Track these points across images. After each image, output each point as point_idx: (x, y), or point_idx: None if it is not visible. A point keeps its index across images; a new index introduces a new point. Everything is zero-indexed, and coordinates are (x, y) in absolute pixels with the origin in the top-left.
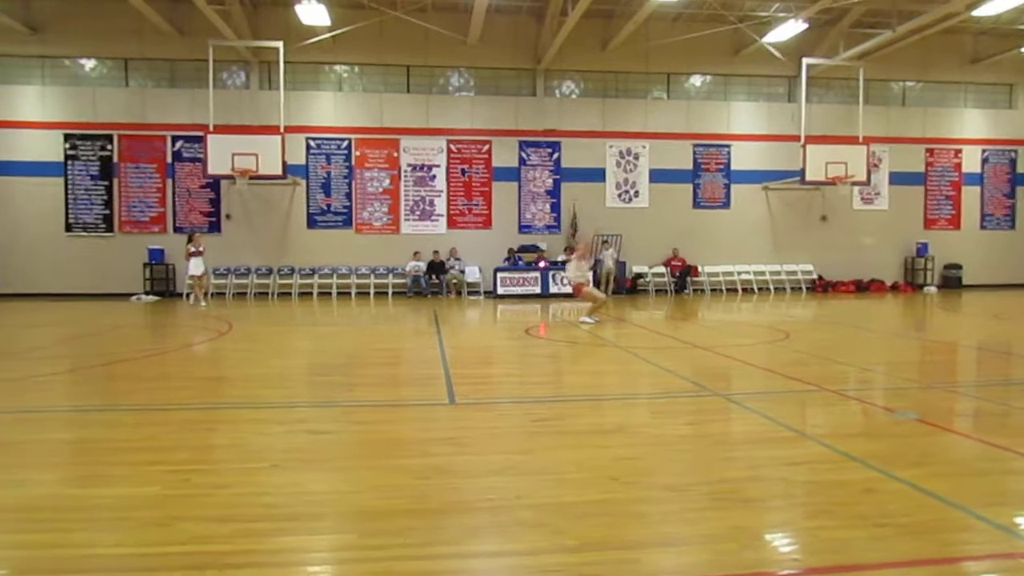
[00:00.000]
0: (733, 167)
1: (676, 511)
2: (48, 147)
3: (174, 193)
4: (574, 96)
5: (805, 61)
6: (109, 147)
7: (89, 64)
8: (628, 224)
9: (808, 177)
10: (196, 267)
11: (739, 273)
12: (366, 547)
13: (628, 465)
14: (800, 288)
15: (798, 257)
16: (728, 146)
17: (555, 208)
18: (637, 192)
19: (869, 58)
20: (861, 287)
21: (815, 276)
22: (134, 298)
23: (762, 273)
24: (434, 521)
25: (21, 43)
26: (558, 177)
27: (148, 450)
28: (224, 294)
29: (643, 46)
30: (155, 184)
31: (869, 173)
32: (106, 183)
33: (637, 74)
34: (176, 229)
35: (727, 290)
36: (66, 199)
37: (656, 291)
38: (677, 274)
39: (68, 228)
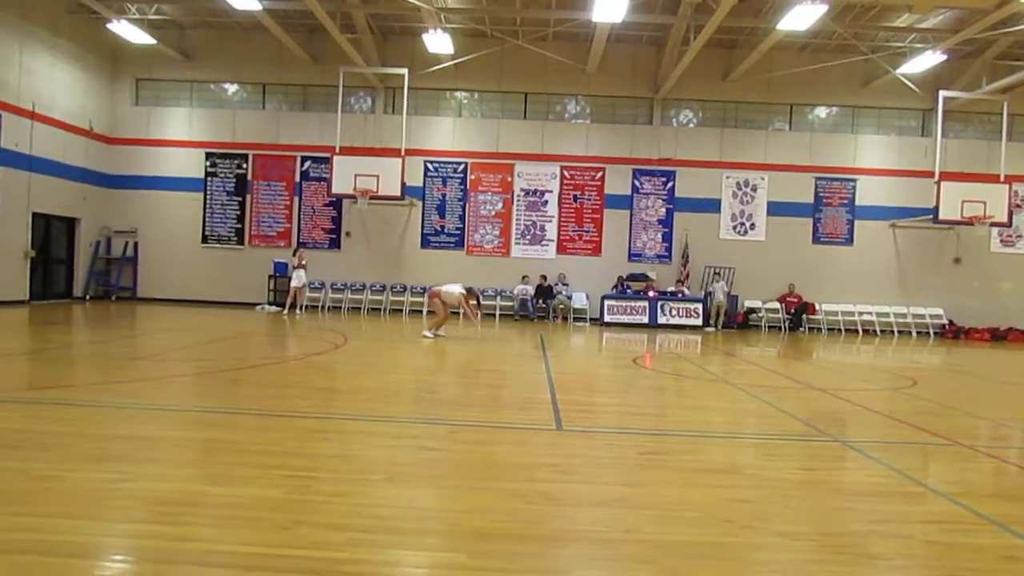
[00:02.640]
0: (858, 202)
1: (794, 561)
2: (192, 164)
3: (300, 210)
4: (691, 125)
5: (942, 94)
6: (244, 165)
7: (232, 88)
8: (742, 257)
9: (941, 216)
10: (297, 279)
11: (860, 313)
12: (476, 568)
13: (741, 508)
14: (928, 333)
15: (927, 300)
16: (853, 180)
17: (667, 238)
18: (753, 224)
19: (1015, 92)
20: (997, 336)
21: (945, 321)
22: (258, 308)
23: (886, 315)
24: (543, 548)
25: (175, 69)
26: (671, 206)
27: (271, 454)
28: (340, 308)
29: (765, 76)
30: (283, 201)
31: (1011, 214)
32: (240, 199)
33: (758, 104)
34: (300, 244)
35: (846, 330)
36: (204, 213)
37: (769, 327)
38: (792, 311)
39: (204, 240)
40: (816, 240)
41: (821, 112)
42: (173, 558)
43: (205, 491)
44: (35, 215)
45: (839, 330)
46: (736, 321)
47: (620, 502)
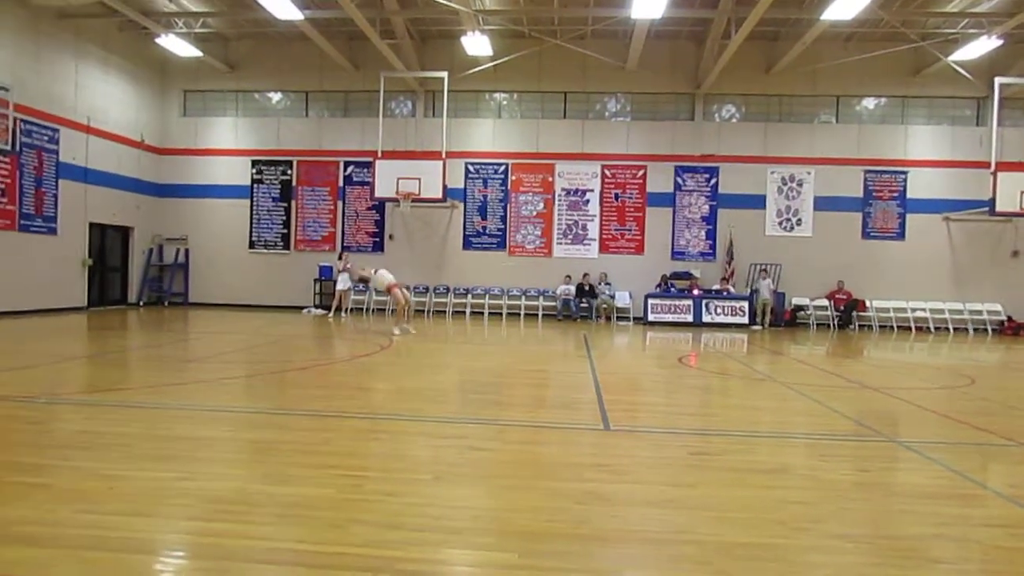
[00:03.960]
0: (909, 195)
1: (851, 564)
2: (238, 172)
3: (344, 214)
4: (734, 120)
5: (998, 81)
6: (289, 172)
7: (276, 97)
8: (788, 253)
9: (998, 208)
10: (343, 283)
11: (913, 310)
12: (528, 567)
13: (795, 509)
14: (985, 330)
15: (983, 295)
16: (904, 172)
17: (710, 235)
18: (800, 220)
19: None
20: None
21: (1004, 317)
22: (304, 311)
23: (940, 311)
24: (594, 548)
25: (221, 80)
26: (714, 203)
27: (323, 454)
28: (384, 310)
29: (810, 67)
30: (327, 206)
31: None
32: (285, 204)
33: (803, 97)
34: (344, 248)
35: (899, 328)
36: (251, 219)
37: (817, 325)
38: (842, 308)
39: (251, 245)
40: (866, 235)
41: (869, 103)
42: (234, 555)
43: (261, 490)
44: (91, 225)
45: (891, 327)
46: (783, 319)
47: (671, 503)
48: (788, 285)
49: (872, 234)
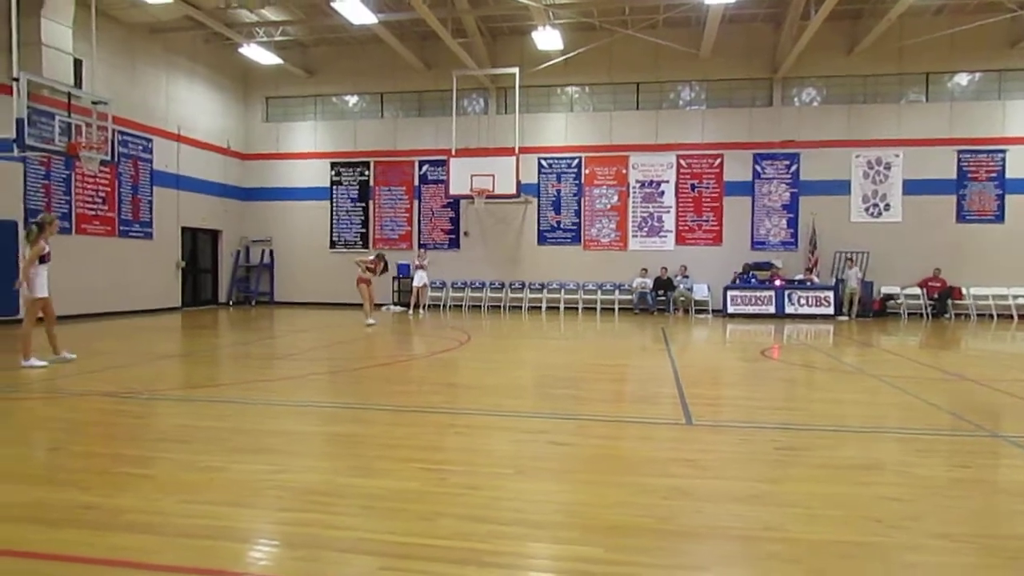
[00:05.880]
0: (1008, 175)
1: (955, 564)
2: (318, 174)
3: (420, 213)
4: (815, 104)
5: None
6: (366, 173)
7: (352, 99)
8: (876, 240)
9: None
10: (419, 279)
11: (1015, 297)
12: (613, 562)
13: (892, 507)
14: None
15: None
16: (1003, 151)
17: (792, 223)
18: (888, 205)
19: None
20: None
21: None
22: (384, 308)
23: None
24: (680, 544)
25: (300, 85)
26: (795, 190)
27: (407, 448)
28: (460, 306)
29: (896, 45)
30: (404, 205)
31: None
32: (363, 205)
33: (889, 76)
34: (420, 246)
35: (998, 315)
36: (331, 219)
37: (909, 314)
38: (936, 296)
39: (332, 245)
40: (961, 219)
41: (962, 79)
42: (327, 544)
43: (350, 482)
44: (183, 229)
45: (990, 316)
46: (872, 309)
47: (758, 499)
48: (877, 273)
49: (968, 217)
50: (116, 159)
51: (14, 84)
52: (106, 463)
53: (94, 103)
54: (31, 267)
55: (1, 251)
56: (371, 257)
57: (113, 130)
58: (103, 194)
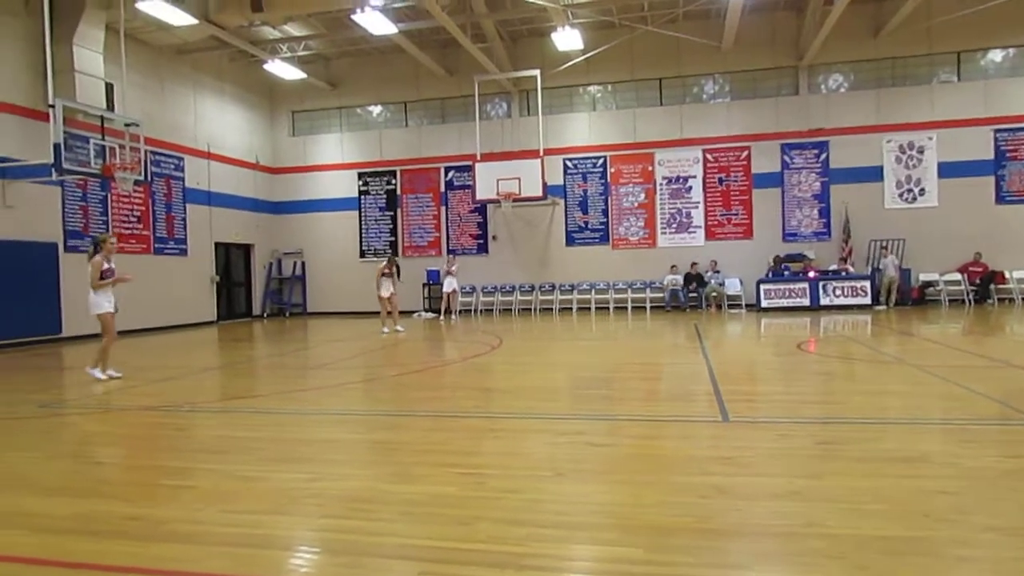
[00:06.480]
0: None
1: (1009, 559)
2: (346, 185)
3: (447, 219)
4: (843, 90)
5: None
6: (393, 181)
7: (376, 110)
8: (912, 226)
9: None
10: (448, 285)
11: None
12: (654, 562)
13: (940, 500)
14: None
15: None
16: None
17: (823, 213)
18: (923, 190)
19: None
20: None
21: None
22: (415, 315)
23: None
24: (721, 542)
25: (324, 98)
26: (826, 179)
27: (443, 453)
28: (491, 310)
29: (924, 25)
30: (431, 212)
31: None
32: (391, 213)
33: (919, 57)
34: (449, 252)
35: None
36: (360, 229)
37: (950, 301)
38: (977, 281)
39: (361, 254)
40: (1000, 200)
41: (996, 56)
42: (367, 550)
43: (387, 488)
44: (217, 244)
45: None
46: (911, 297)
47: (798, 495)
48: (913, 260)
49: (1008, 198)
50: (149, 178)
51: (50, 111)
52: (149, 475)
53: (126, 125)
54: (96, 283)
55: (42, 272)
56: (383, 263)
57: (145, 150)
58: (138, 213)
